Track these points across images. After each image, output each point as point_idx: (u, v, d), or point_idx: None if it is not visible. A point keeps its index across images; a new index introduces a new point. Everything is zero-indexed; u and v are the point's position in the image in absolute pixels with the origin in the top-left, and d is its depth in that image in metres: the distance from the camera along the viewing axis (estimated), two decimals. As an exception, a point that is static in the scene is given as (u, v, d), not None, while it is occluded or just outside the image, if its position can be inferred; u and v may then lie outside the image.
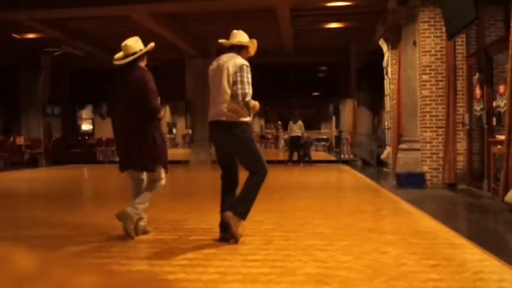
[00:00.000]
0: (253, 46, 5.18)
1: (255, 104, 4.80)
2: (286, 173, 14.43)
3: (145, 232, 5.18)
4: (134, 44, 5.19)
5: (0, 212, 7.36)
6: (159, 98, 5.09)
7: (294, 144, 17.17)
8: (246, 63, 4.88)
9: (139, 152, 5.00)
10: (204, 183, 12.75)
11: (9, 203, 8.65)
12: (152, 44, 5.32)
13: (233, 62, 4.83)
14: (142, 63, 5.23)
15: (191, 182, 13.39)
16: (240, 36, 5.12)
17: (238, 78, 4.75)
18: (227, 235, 4.83)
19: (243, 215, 4.82)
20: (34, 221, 6.38)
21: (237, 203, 4.90)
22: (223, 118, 4.82)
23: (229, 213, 4.76)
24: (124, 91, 5.07)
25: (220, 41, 5.22)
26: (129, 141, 5.06)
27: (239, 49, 5.04)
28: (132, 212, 4.94)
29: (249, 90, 4.74)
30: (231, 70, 4.79)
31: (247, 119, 4.87)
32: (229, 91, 4.78)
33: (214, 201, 7.65)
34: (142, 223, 5.14)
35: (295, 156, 17.14)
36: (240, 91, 4.71)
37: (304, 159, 17.10)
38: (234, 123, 4.80)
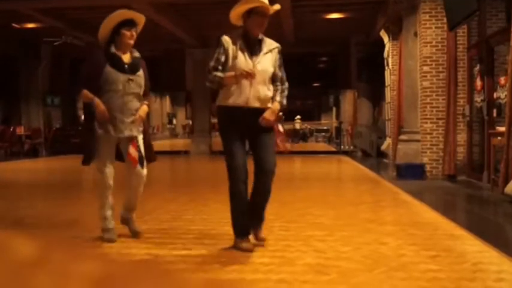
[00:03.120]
0: (248, 6, 4.23)
1: (223, 76, 4.15)
2: (285, 163, 14.44)
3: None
4: None
5: (0, 201, 7.37)
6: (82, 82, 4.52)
7: None
8: (222, 37, 4.26)
9: None
10: (204, 173, 12.75)
11: (9, 193, 8.66)
12: None
13: None
14: (118, 42, 4.53)
15: (191, 172, 13.40)
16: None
17: None
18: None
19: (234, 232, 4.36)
20: (34, 211, 6.39)
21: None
22: None
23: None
24: None
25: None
26: None
27: (244, 23, 4.32)
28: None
29: (211, 66, 4.21)
30: None
31: (224, 102, 4.25)
32: None
33: (214, 191, 7.68)
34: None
35: None
36: None
37: None
38: (215, 109, 4.42)
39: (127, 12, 4.54)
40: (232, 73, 4.08)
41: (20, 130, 18.62)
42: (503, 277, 3.50)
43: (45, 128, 20.20)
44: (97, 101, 4.34)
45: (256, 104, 4.15)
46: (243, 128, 4.19)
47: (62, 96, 21.56)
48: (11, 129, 18.09)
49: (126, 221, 4.76)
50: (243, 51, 4.17)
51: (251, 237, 4.29)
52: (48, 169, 13.99)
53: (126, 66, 4.47)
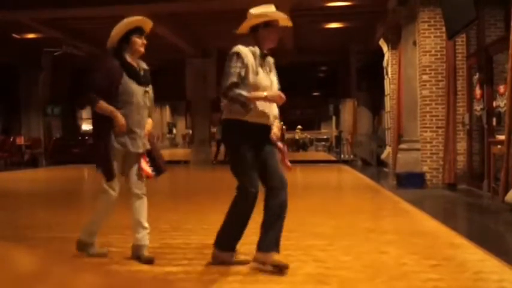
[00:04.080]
0: (276, 18, 4.07)
1: (250, 96, 3.85)
2: (286, 173, 14.42)
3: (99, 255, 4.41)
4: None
5: (0, 212, 7.36)
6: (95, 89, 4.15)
7: (219, 145, 17.88)
8: (239, 49, 3.93)
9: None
10: (204, 183, 12.74)
11: (9, 203, 8.64)
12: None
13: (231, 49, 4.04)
14: (128, 49, 4.27)
15: (191, 182, 13.39)
16: (249, 16, 4.09)
17: (225, 70, 3.93)
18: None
19: (217, 244, 4.07)
20: (34, 221, 6.37)
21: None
22: (222, 116, 4.13)
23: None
24: None
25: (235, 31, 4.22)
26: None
27: (255, 32, 4.07)
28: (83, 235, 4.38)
29: (230, 83, 3.84)
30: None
31: (244, 117, 3.91)
32: None
33: (214, 201, 7.67)
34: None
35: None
36: (221, 85, 3.93)
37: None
38: (226, 122, 4.04)
39: (142, 19, 4.35)
40: (262, 94, 3.88)
41: (20, 140, 18.62)
42: (504, 286, 3.49)
43: (45, 138, 20.21)
44: (118, 114, 4.09)
45: (271, 121, 4.04)
46: (256, 143, 3.96)
47: (62, 106, 21.60)
48: (11, 139, 18.09)
49: (138, 248, 4.27)
50: (262, 67, 3.98)
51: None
52: (48, 179, 13.98)
53: (142, 78, 4.27)
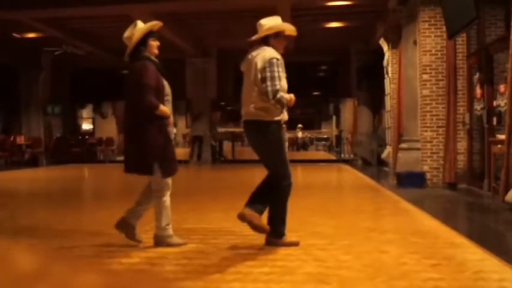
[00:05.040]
0: (285, 29, 4.77)
1: (288, 98, 4.49)
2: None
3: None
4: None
5: (0, 211, 7.36)
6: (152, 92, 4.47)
7: (194, 142, 18.07)
8: (276, 56, 4.49)
9: (135, 153, 4.59)
10: (204, 182, 12.75)
11: (9, 202, 8.64)
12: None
13: (262, 56, 4.49)
14: (146, 52, 4.60)
15: (191, 181, 13.38)
16: (261, 28, 4.65)
17: (268, 74, 4.39)
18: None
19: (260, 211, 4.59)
20: (34, 221, 6.37)
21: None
22: (252, 118, 4.55)
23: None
24: (125, 86, 4.66)
25: (250, 39, 4.77)
26: (127, 142, 4.72)
27: (266, 41, 4.63)
28: (129, 218, 4.68)
29: (279, 86, 4.38)
30: (259, 65, 4.45)
31: (279, 117, 4.54)
32: (257, 88, 4.47)
33: (214, 200, 7.67)
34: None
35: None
36: (269, 88, 4.35)
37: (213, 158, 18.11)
38: (264, 123, 4.51)
39: (157, 23, 4.75)
40: (287, 96, 4.47)
41: (21, 139, 18.63)
42: (505, 285, 3.49)
43: (46, 137, 20.21)
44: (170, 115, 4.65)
45: None
46: None
47: (63, 105, 21.59)
48: (12, 139, 18.09)
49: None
50: (283, 71, 4.55)
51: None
52: (48, 178, 13.97)
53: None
